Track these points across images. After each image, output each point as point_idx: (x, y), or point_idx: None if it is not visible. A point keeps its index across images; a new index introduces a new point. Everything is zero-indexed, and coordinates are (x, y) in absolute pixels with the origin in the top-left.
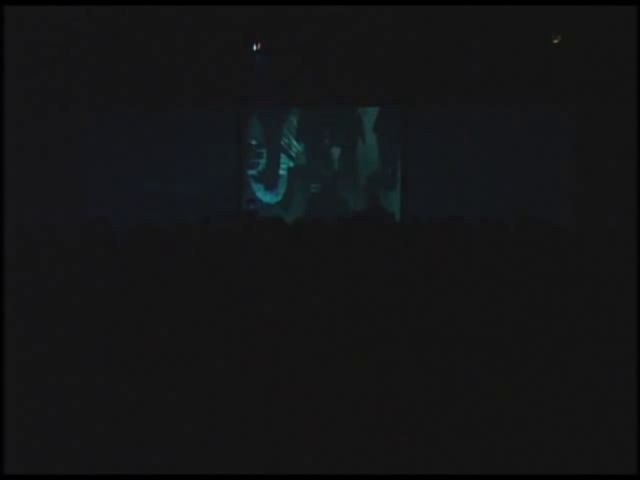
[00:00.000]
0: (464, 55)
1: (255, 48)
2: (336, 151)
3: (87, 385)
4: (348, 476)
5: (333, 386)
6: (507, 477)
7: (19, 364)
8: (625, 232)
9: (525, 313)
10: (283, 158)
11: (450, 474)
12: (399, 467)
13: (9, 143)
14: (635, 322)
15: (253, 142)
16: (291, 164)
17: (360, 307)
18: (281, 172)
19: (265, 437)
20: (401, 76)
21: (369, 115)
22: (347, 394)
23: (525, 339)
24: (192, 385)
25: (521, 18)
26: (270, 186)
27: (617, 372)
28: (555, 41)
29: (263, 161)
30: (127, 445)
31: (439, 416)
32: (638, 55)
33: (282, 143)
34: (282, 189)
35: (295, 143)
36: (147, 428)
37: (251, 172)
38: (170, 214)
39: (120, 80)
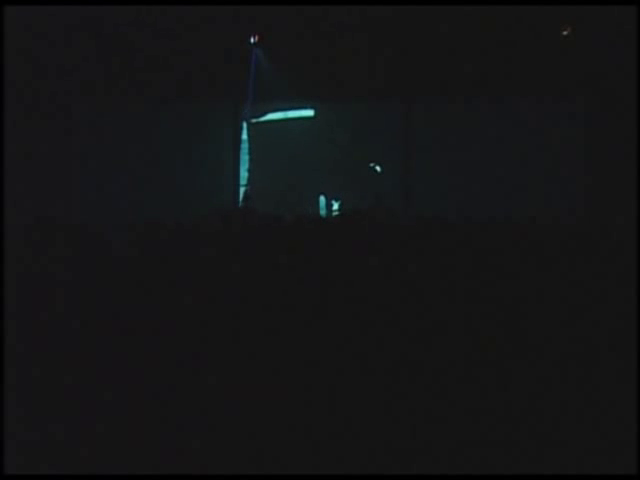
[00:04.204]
0: (469, 52)
1: (253, 41)
2: (336, 149)
3: (87, 385)
4: (348, 476)
5: (332, 386)
6: (507, 477)
7: (19, 364)
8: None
9: (532, 312)
10: (280, 155)
11: (450, 474)
12: (399, 467)
13: (8, 143)
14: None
15: (250, 139)
16: (289, 162)
17: (360, 307)
18: (279, 170)
19: (264, 437)
20: (406, 73)
21: (371, 113)
22: (346, 394)
23: (530, 338)
24: (191, 385)
25: (529, 14)
26: (267, 184)
27: (618, 372)
28: (564, 32)
29: (261, 159)
30: (127, 445)
31: (439, 417)
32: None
33: (280, 141)
34: (280, 187)
35: (292, 139)
36: (147, 428)
37: (248, 169)
38: (168, 213)
39: (117, 78)
